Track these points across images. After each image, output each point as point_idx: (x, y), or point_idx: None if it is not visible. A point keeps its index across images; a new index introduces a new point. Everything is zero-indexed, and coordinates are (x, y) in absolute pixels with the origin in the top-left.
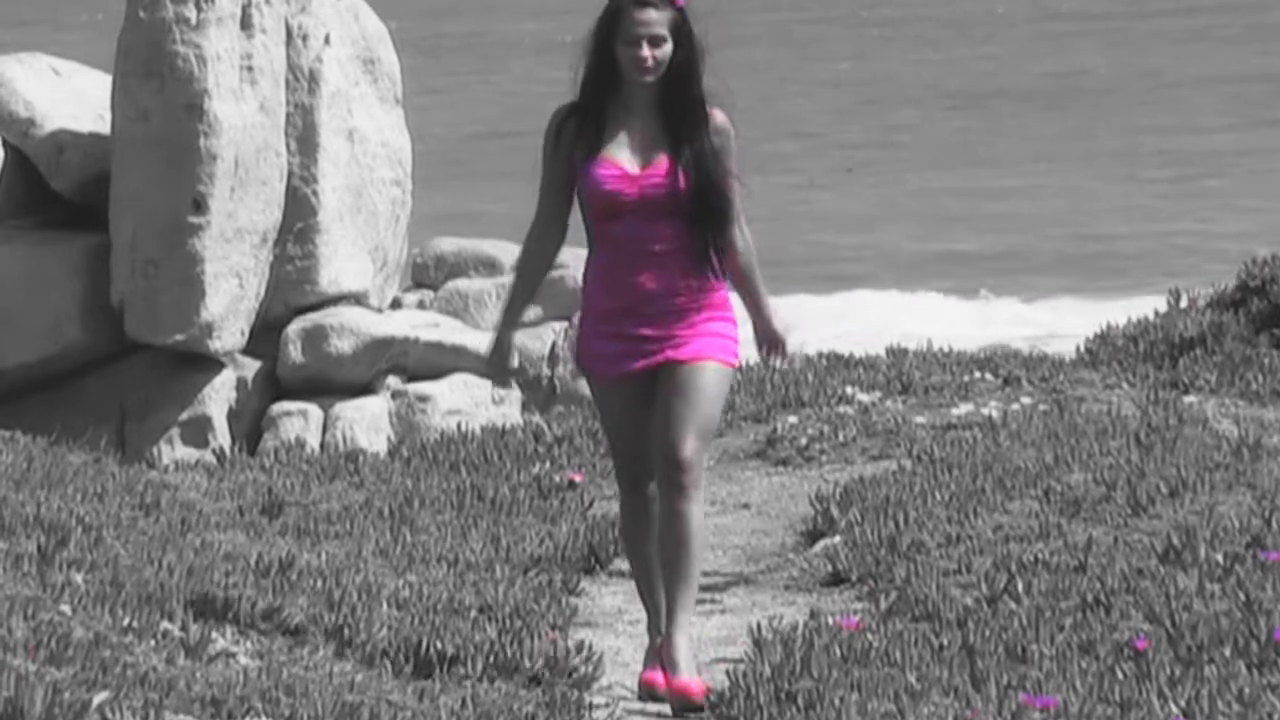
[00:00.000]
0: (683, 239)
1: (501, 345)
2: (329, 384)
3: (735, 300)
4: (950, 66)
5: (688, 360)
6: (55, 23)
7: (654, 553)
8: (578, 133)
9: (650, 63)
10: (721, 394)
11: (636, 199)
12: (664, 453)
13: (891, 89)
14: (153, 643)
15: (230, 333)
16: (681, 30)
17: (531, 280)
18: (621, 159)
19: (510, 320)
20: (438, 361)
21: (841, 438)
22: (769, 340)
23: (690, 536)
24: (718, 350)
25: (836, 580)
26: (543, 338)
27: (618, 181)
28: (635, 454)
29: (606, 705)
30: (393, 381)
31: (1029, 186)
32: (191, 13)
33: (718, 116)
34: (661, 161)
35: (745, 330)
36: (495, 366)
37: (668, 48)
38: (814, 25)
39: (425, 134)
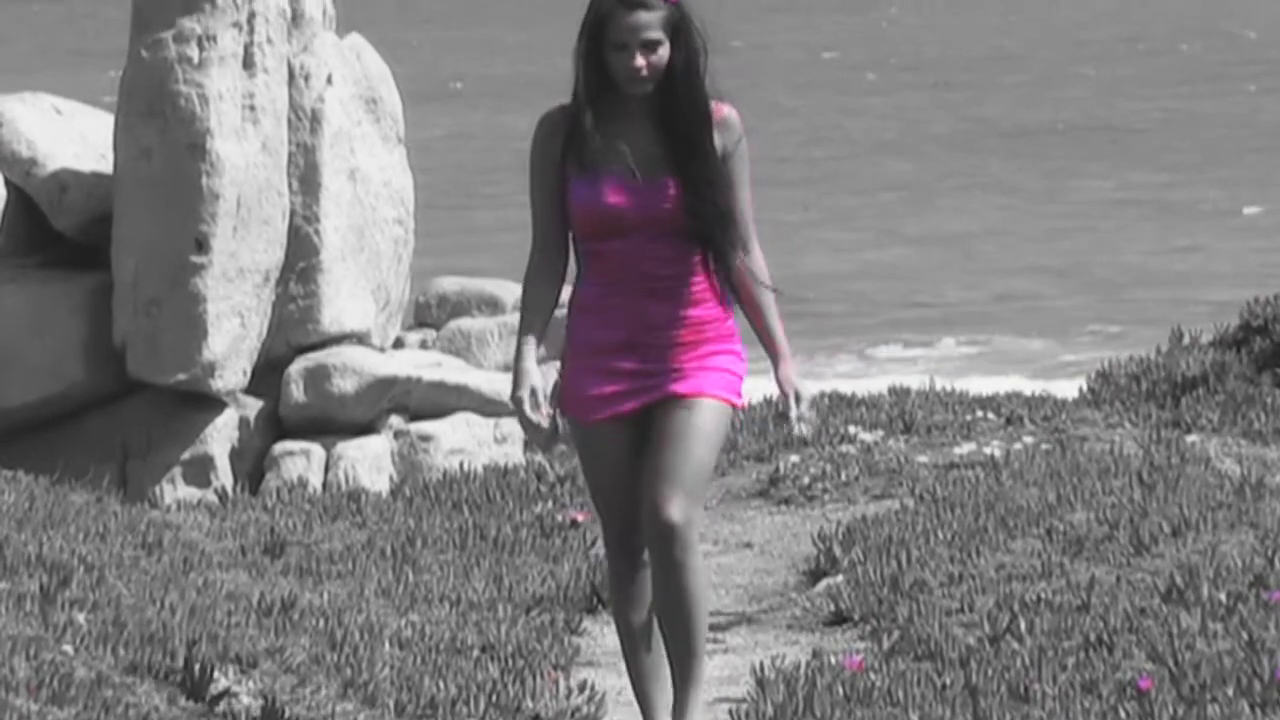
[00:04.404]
0: (688, 261)
1: (528, 374)
2: (331, 423)
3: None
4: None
5: (684, 395)
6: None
7: (654, 643)
8: (569, 141)
9: (644, 71)
10: (719, 435)
11: (638, 215)
12: (650, 512)
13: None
14: (155, 682)
15: (232, 372)
16: (679, 28)
17: (544, 317)
18: (619, 170)
19: (528, 352)
20: (440, 401)
21: (844, 477)
22: (786, 394)
23: (692, 607)
24: (719, 386)
25: (839, 619)
26: (546, 376)
27: (616, 195)
28: (627, 509)
29: None
30: (395, 421)
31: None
32: (194, 52)
33: (726, 112)
34: (664, 172)
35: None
36: (528, 400)
37: (664, 51)
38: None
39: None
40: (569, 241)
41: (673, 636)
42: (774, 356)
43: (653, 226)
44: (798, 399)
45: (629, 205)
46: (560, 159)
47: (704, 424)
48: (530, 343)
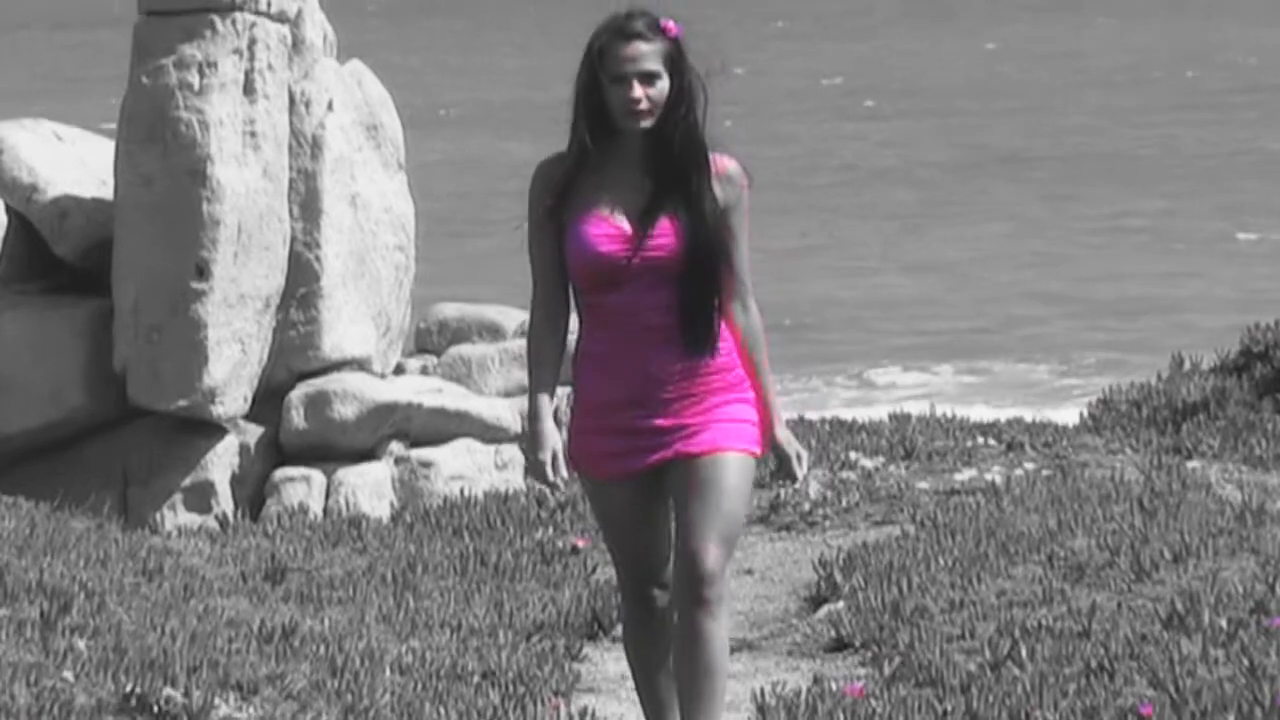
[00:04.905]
0: (691, 309)
1: (551, 436)
2: (332, 449)
3: None
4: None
5: (703, 453)
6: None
7: (667, 682)
8: (566, 188)
9: (643, 104)
10: (745, 488)
11: (636, 263)
12: (682, 564)
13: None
14: (155, 709)
15: (233, 398)
16: (678, 64)
17: (554, 369)
18: (617, 216)
19: (544, 410)
20: (441, 427)
21: (845, 503)
22: (781, 454)
23: (714, 660)
24: (737, 438)
25: (840, 646)
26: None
27: (614, 242)
28: (643, 559)
29: None
30: (396, 447)
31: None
32: (194, 78)
33: (728, 165)
34: (663, 218)
35: None
36: (551, 466)
37: (662, 85)
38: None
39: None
40: (569, 291)
41: (691, 691)
42: (764, 409)
43: (649, 275)
44: (799, 459)
45: (623, 252)
46: (557, 207)
47: (728, 479)
48: (545, 401)
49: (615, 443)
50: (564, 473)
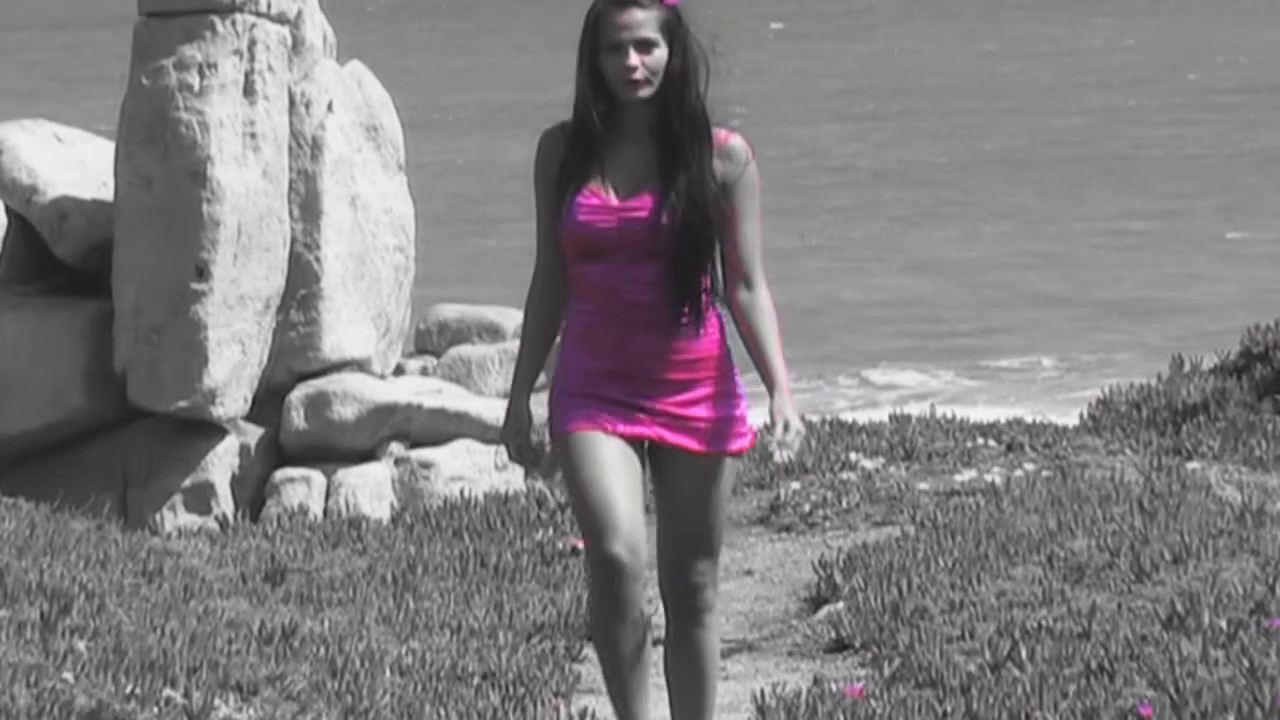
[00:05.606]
0: (672, 288)
1: (518, 416)
2: (332, 450)
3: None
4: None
5: (690, 451)
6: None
7: (640, 667)
8: (566, 158)
9: (639, 73)
10: (730, 489)
11: (615, 234)
12: (670, 579)
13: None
14: (155, 710)
15: (233, 399)
16: (676, 33)
17: (541, 344)
18: (605, 188)
19: (522, 389)
20: (441, 428)
21: (845, 504)
22: (775, 423)
23: (706, 667)
24: (720, 440)
25: (840, 647)
26: (544, 403)
27: (593, 212)
28: (615, 523)
29: None
30: (396, 448)
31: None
32: (194, 79)
33: (731, 140)
34: (649, 190)
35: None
36: (514, 442)
37: (660, 53)
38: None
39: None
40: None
41: (683, 697)
42: (769, 387)
43: (630, 247)
44: (786, 427)
45: (603, 223)
46: (557, 177)
47: (715, 487)
48: (526, 380)
49: (594, 406)
50: (534, 449)
